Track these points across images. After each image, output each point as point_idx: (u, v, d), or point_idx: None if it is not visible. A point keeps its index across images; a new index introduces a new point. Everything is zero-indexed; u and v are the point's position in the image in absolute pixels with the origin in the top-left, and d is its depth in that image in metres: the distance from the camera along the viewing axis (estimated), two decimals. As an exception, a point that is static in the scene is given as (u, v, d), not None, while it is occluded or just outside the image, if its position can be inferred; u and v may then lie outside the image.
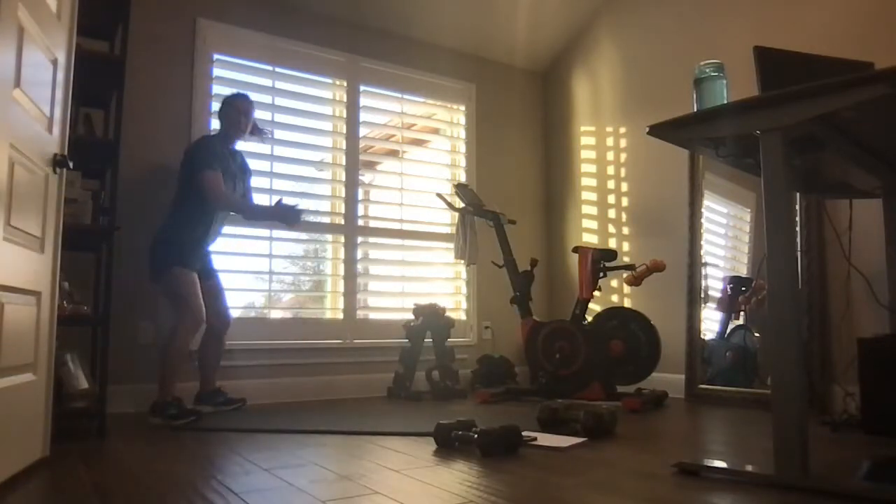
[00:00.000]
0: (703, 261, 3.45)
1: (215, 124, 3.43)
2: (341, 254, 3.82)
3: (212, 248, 3.07)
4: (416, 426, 2.52)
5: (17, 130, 1.71)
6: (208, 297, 2.92)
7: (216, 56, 3.48)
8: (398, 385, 3.60)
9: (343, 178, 3.87)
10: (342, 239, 3.83)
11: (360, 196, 3.94)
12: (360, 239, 3.89)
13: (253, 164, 3.56)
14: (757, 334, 3.20)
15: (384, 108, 4.12)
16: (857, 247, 2.60)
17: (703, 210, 3.50)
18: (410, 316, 3.73)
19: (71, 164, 2.08)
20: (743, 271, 3.36)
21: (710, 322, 3.39)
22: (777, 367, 1.63)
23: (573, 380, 3.28)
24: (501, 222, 3.70)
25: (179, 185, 2.94)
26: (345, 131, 3.89)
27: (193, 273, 2.87)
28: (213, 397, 2.99)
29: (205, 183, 2.83)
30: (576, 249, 3.48)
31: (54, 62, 2.00)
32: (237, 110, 3.07)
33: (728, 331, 3.32)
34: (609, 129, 4.16)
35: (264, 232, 3.57)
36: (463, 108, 4.39)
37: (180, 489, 1.64)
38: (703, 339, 3.38)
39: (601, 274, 3.39)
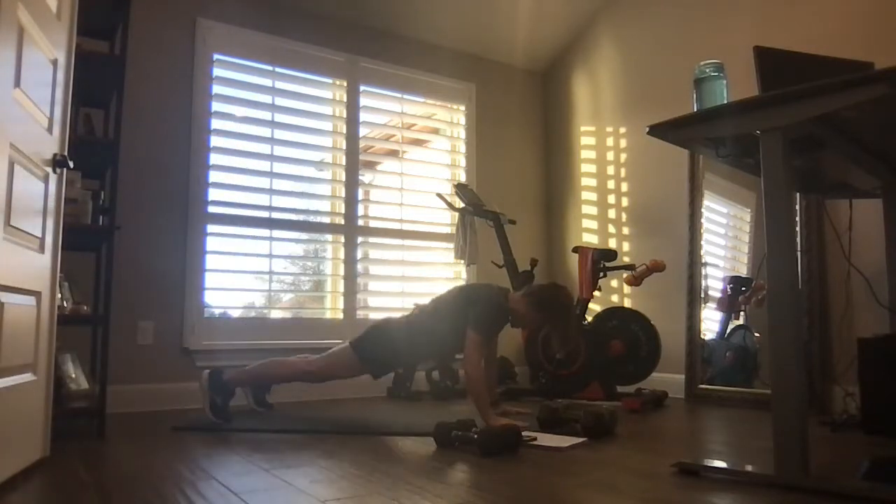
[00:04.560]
0: (703, 261, 3.45)
1: (216, 124, 3.45)
2: (341, 254, 3.81)
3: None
4: (416, 426, 2.52)
5: (17, 130, 1.71)
6: (353, 375, 2.86)
7: (216, 56, 3.48)
8: (398, 385, 3.60)
9: (343, 178, 3.87)
10: (342, 239, 3.83)
11: (360, 196, 3.94)
12: (360, 239, 3.89)
13: (253, 163, 3.58)
14: (757, 334, 3.20)
15: (384, 108, 4.12)
16: (857, 247, 2.60)
17: (703, 210, 3.50)
18: (410, 316, 3.73)
19: (71, 164, 2.08)
20: (743, 271, 3.36)
21: (710, 322, 3.39)
22: (777, 367, 1.63)
23: (573, 380, 3.28)
24: (501, 222, 3.70)
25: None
26: (345, 131, 3.89)
27: (362, 367, 2.78)
28: (258, 388, 2.99)
29: (469, 335, 2.58)
30: (576, 249, 3.48)
31: (54, 62, 2.00)
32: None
33: (728, 331, 3.32)
34: (609, 129, 4.16)
35: (264, 232, 3.57)
36: (463, 108, 4.39)
37: (180, 489, 1.64)
38: (703, 339, 3.38)
39: (601, 274, 3.39)
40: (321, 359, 2.82)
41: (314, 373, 2.83)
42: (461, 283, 4.24)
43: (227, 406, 2.71)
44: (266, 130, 3.63)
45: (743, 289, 3.28)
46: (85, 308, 2.54)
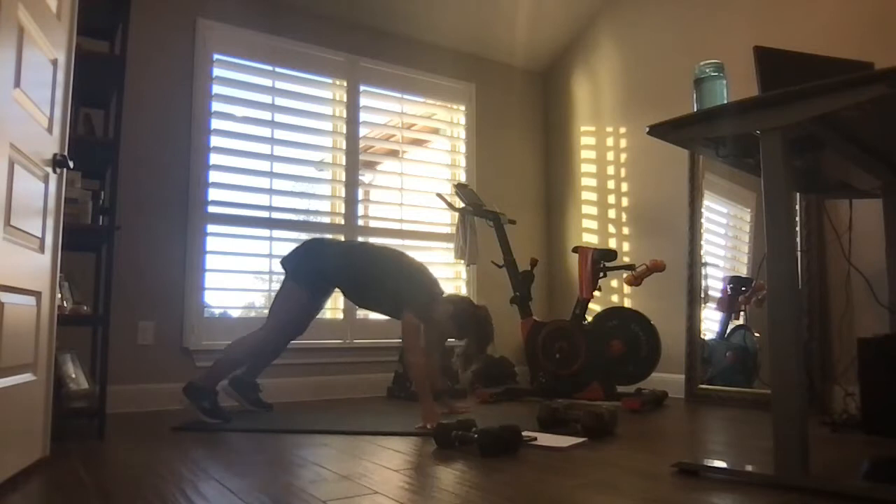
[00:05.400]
0: (703, 261, 3.45)
1: (216, 124, 3.45)
2: (341, 254, 3.81)
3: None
4: (416, 426, 2.52)
5: (17, 130, 1.71)
6: (305, 311, 2.95)
7: (216, 56, 3.48)
8: (398, 385, 3.60)
9: (343, 178, 3.87)
10: (342, 239, 3.82)
11: (360, 196, 3.94)
12: (360, 239, 3.89)
13: (253, 163, 3.58)
14: (757, 334, 3.20)
15: (384, 108, 4.12)
16: (857, 247, 2.60)
17: (703, 210, 3.50)
18: (410, 316, 3.73)
19: (71, 164, 2.08)
20: (743, 271, 3.36)
21: (710, 322, 3.39)
22: (777, 367, 1.63)
23: (573, 380, 3.28)
24: (501, 222, 3.70)
25: (373, 257, 2.91)
26: (345, 131, 3.89)
27: (303, 291, 2.88)
28: (247, 389, 2.99)
29: (407, 318, 2.71)
30: (576, 249, 3.48)
31: (54, 62, 2.00)
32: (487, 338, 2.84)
33: (728, 331, 3.32)
34: (609, 129, 4.16)
35: (264, 232, 3.57)
36: (463, 108, 4.39)
37: (180, 489, 1.64)
38: (703, 339, 3.38)
39: (601, 274, 3.39)
40: (269, 317, 2.93)
41: (270, 328, 2.87)
42: (459, 281, 4.24)
43: (218, 406, 2.72)
44: (266, 130, 3.63)
45: (743, 289, 3.28)
46: (85, 308, 2.54)
